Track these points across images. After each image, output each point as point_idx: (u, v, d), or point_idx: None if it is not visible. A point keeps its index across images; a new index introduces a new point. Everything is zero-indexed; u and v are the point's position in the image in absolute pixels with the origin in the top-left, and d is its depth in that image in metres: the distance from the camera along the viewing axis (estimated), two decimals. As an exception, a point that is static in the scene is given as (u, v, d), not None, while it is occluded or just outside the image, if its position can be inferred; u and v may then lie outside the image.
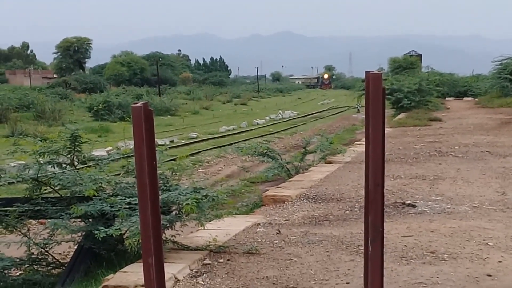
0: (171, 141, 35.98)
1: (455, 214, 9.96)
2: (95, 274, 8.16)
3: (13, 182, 8.79)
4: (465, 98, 53.09)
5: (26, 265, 9.19)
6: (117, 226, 7.57)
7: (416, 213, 10.29)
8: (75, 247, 8.98)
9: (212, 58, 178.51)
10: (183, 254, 7.93)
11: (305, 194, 12.50)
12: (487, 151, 17.77)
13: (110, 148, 29.57)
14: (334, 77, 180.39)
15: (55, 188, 8.88)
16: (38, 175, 8.57)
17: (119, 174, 9.21)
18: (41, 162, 8.61)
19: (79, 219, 8.54)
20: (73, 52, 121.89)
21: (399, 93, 39.50)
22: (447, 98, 51.77)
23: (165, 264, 4.43)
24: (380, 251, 4.05)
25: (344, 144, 25.98)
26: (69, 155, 8.93)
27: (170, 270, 6.90)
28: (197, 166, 27.03)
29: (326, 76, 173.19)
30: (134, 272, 6.92)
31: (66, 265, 9.04)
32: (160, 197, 4.88)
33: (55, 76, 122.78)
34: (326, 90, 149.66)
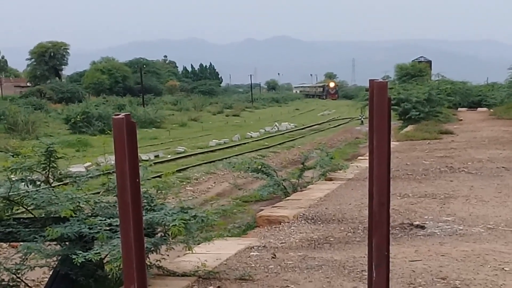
0: (156, 156, 36.05)
1: (468, 237, 9.97)
2: (72, 302, 8.13)
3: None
4: (479, 109, 53.20)
5: (-4, 293, 9.16)
6: (97, 249, 7.54)
7: (425, 235, 10.30)
8: (50, 273, 8.95)
9: (201, 65, 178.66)
10: (169, 281, 7.92)
11: (303, 214, 12.50)
12: (503, 167, 17.80)
13: (89, 163, 29.49)
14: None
15: (28, 208, 8.85)
16: (10, 194, 8.54)
17: (98, 193, 9.20)
18: (13, 179, 8.59)
19: (55, 242, 8.50)
20: (49, 58, 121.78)
21: (406, 103, 39.59)
22: (459, 109, 51.88)
23: (149, 291, 4.43)
24: (385, 277, 4.05)
25: (346, 159, 26.08)
26: (44, 172, 8.92)
27: (155, 298, 6.89)
28: (184, 183, 27.07)
29: (332, 84, 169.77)
30: (115, 301, 6.91)
31: (40, 292, 9.01)
32: (143, 217, 4.87)
33: (28, 84, 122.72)
34: (326, 100, 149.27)
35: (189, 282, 7.84)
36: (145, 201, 8.30)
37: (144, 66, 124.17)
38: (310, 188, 16.33)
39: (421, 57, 70.60)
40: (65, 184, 9.29)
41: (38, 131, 49.25)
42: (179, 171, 28.69)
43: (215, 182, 28.12)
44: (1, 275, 8.94)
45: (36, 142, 9.93)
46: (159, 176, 10.09)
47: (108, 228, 7.74)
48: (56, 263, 8.64)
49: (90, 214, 8.33)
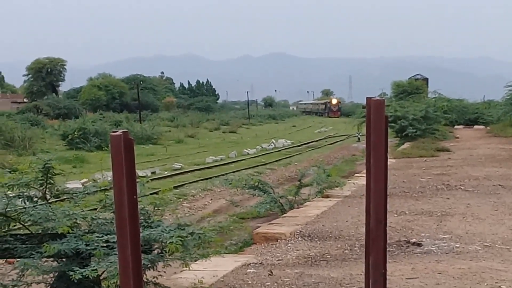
0: (153, 173, 35.98)
1: (465, 254, 9.97)
2: (69, 319, 8.11)
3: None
4: (475, 126, 53.28)
5: (-8, 309, 9.13)
6: (94, 266, 7.52)
7: (422, 252, 10.30)
8: (47, 290, 8.94)
9: (198, 81, 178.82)
10: (165, 297, 7.91)
11: (300, 231, 12.50)
12: (499, 185, 17.82)
13: (85, 180, 29.54)
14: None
15: (25, 224, 8.83)
16: (7, 210, 8.53)
17: (95, 209, 9.19)
18: (10, 195, 8.58)
19: (52, 259, 8.48)
20: (46, 74, 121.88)
21: (403, 120, 39.66)
22: (456, 126, 51.96)
23: (146, 308, 4.43)
24: (382, 294, 4.06)
25: (343, 176, 26.03)
26: (41, 188, 8.91)
27: (152, 315, 6.88)
28: (181, 200, 27.05)
29: (334, 101, 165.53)
30: (112, 318, 6.89)
31: (36, 309, 8.97)
32: (141, 234, 4.87)
33: (25, 100, 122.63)
34: (323, 117, 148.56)
35: (186, 299, 7.84)
36: (142, 217, 8.29)
37: (141, 82, 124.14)
38: (307, 205, 16.33)
39: (418, 74, 70.66)
40: (62, 200, 9.28)
41: (35, 147, 49.13)
42: (176, 187, 28.66)
43: (211, 199, 28.08)
44: (-2, 291, 8.93)
45: (33, 158, 9.92)
46: (156, 193, 10.08)
47: (105, 244, 7.73)
48: (53, 279, 8.62)
49: (87, 230, 8.31)
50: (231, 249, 14.39)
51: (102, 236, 7.84)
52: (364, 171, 4.39)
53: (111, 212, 8.66)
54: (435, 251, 10.34)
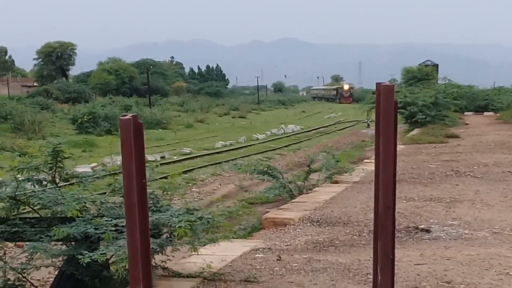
0: (162, 157, 36.01)
1: (473, 241, 9.95)
2: (77, 302, 8.12)
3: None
4: (485, 113, 53.04)
5: (1, 292, 9.15)
6: (103, 250, 7.52)
7: (430, 238, 10.29)
8: (56, 273, 8.95)
9: (208, 66, 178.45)
10: (174, 282, 7.92)
11: (309, 216, 12.50)
12: (509, 172, 17.77)
13: (95, 164, 29.54)
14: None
15: (35, 208, 8.84)
16: (16, 193, 8.54)
17: (105, 193, 9.19)
18: (20, 179, 8.59)
19: (60, 242, 8.48)
20: (56, 58, 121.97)
21: (413, 106, 39.51)
22: (465, 113, 51.73)
23: (154, 292, 4.44)
24: (390, 280, 4.05)
25: (352, 162, 26.03)
26: (50, 172, 8.91)
27: (160, 299, 6.89)
28: (190, 184, 27.06)
29: (346, 87, 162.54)
30: (120, 301, 6.91)
31: (45, 292, 8.99)
32: (149, 218, 4.87)
33: (35, 84, 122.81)
34: (333, 103, 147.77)
35: (194, 283, 7.84)
36: (151, 202, 8.29)
37: (151, 67, 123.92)
38: (316, 190, 16.33)
39: (428, 60, 70.37)
40: (72, 184, 9.28)
41: (44, 131, 49.25)
42: (185, 172, 28.66)
43: (221, 184, 28.09)
44: (7, 274, 8.94)
45: (43, 142, 9.91)
46: (165, 177, 10.06)
47: (114, 228, 7.72)
48: (62, 263, 8.64)
49: (96, 214, 8.32)
50: (239, 234, 14.39)
51: (111, 220, 7.84)
52: (373, 157, 4.38)
53: (120, 196, 8.66)
54: (443, 237, 10.32)
